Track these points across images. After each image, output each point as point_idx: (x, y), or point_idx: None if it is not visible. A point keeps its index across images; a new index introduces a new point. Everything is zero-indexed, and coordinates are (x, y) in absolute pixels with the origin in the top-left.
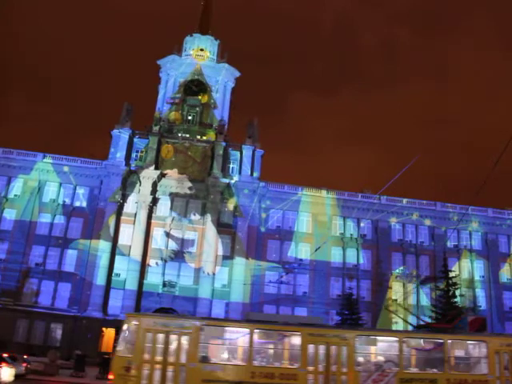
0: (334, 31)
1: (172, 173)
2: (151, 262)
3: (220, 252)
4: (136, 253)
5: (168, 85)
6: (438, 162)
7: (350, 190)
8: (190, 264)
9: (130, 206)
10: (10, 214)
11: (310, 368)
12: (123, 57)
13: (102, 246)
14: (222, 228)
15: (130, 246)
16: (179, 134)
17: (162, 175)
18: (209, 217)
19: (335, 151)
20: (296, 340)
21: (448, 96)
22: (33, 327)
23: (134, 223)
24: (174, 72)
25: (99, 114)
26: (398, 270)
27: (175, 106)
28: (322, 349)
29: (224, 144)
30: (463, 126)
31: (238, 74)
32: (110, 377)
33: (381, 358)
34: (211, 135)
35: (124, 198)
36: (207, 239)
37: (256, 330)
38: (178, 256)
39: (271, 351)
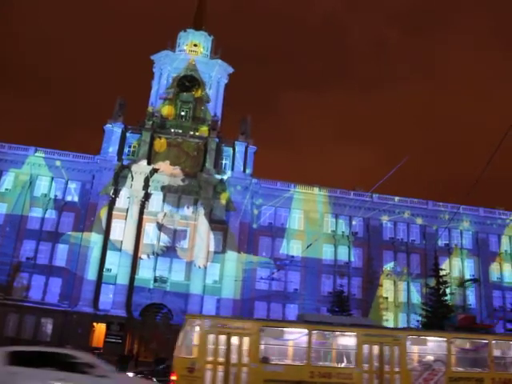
0: (323, 30)
1: (164, 167)
2: (143, 256)
3: (212, 248)
4: (128, 247)
5: (161, 80)
6: (430, 160)
7: (343, 188)
8: (181, 258)
9: (122, 201)
10: (1, 208)
11: (365, 367)
12: (116, 52)
13: (94, 239)
14: (214, 224)
15: (122, 241)
16: (172, 130)
17: (155, 170)
18: (201, 211)
19: (328, 149)
20: (351, 340)
21: (440, 96)
22: (23, 322)
23: (125, 218)
24: (167, 67)
25: (92, 108)
26: (388, 267)
27: (168, 101)
28: (375, 349)
29: (217, 140)
30: (456, 126)
31: (231, 70)
32: (173, 378)
33: (430, 358)
34: (204, 131)
35: (116, 193)
36: (199, 233)
37: (314, 331)
38: (170, 251)
39: (327, 351)
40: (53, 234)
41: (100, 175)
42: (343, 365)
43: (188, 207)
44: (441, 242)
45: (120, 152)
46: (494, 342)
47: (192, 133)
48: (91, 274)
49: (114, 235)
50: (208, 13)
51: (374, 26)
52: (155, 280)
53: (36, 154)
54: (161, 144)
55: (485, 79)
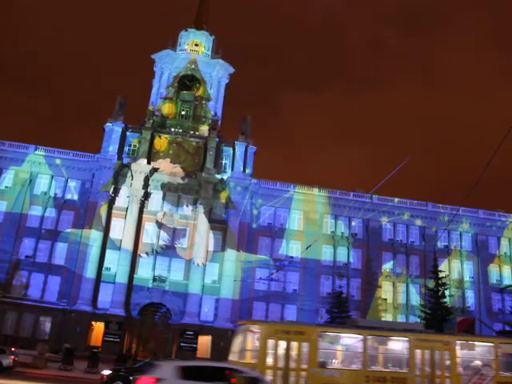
0: (323, 30)
1: (164, 166)
2: (142, 254)
3: (211, 247)
4: (127, 246)
5: (162, 79)
6: (430, 161)
7: (342, 189)
8: (180, 257)
9: (121, 200)
10: (1, 206)
11: (417, 372)
12: (117, 51)
13: (94, 237)
14: (214, 223)
15: (121, 240)
16: (172, 129)
17: (155, 169)
18: (201, 210)
19: (328, 149)
20: (404, 345)
21: (440, 96)
22: (22, 320)
23: (125, 217)
24: (168, 66)
25: (92, 107)
26: (387, 268)
27: (169, 100)
28: (427, 353)
29: (217, 139)
30: (456, 126)
31: (232, 70)
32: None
33: (478, 362)
34: (204, 130)
35: (116, 191)
36: (199, 231)
37: (369, 337)
38: (169, 249)
39: (381, 356)
40: (52, 232)
41: (100, 174)
42: (397, 369)
43: (188, 206)
44: (440, 244)
45: (120, 151)
46: None
47: (192, 132)
48: (90, 272)
49: (114, 234)
50: (209, 12)
51: (374, 26)
52: (154, 279)
53: (36, 152)
54: (161, 143)
55: (485, 79)
